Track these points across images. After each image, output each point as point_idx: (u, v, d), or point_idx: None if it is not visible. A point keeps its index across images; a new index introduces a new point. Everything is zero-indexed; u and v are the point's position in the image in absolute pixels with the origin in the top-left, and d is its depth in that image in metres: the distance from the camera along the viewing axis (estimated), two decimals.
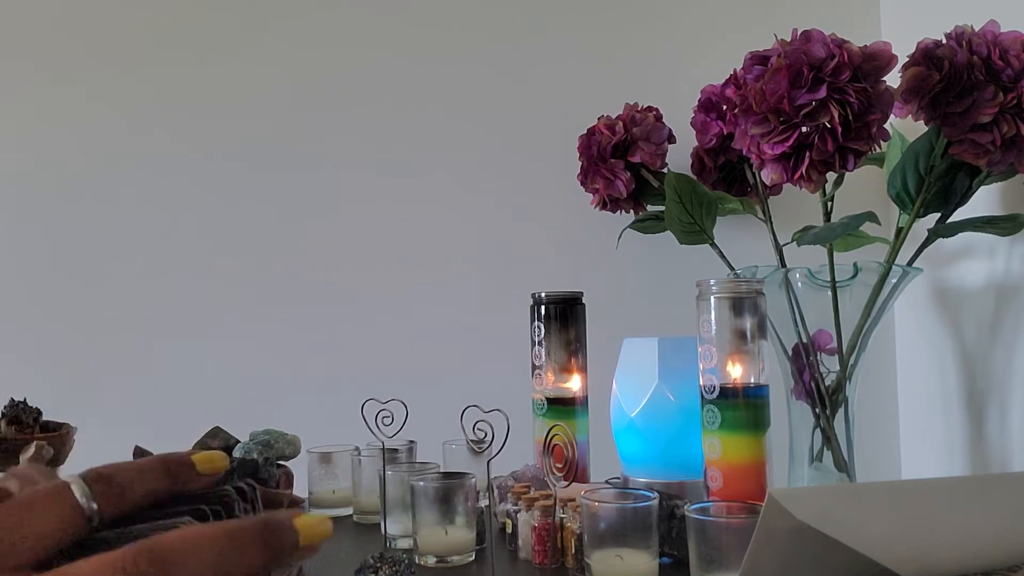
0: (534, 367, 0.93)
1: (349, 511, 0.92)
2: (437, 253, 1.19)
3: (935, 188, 0.86)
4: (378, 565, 0.63)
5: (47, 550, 0.25)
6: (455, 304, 1.18)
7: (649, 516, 0.64)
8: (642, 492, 0.67)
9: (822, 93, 0.77)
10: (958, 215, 0.89)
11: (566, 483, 0.68)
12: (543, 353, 0.92)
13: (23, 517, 0.25)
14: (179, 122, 1.20)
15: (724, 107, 0.99)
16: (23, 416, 0.74)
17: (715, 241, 0.98)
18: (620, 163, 1.03)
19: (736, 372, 0.76)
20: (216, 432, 0.96)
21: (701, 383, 0.78)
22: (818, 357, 0.91)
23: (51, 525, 0.25)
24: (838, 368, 0.90)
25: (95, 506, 0.26)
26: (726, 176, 1.05)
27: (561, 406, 0.90)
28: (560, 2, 1.21)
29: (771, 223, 0.97)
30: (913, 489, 0.61)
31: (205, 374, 1.14)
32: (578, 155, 1.07)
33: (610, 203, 1.06)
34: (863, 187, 1.08)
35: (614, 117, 1.05)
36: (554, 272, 1.17)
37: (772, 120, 0.80)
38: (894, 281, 0.89)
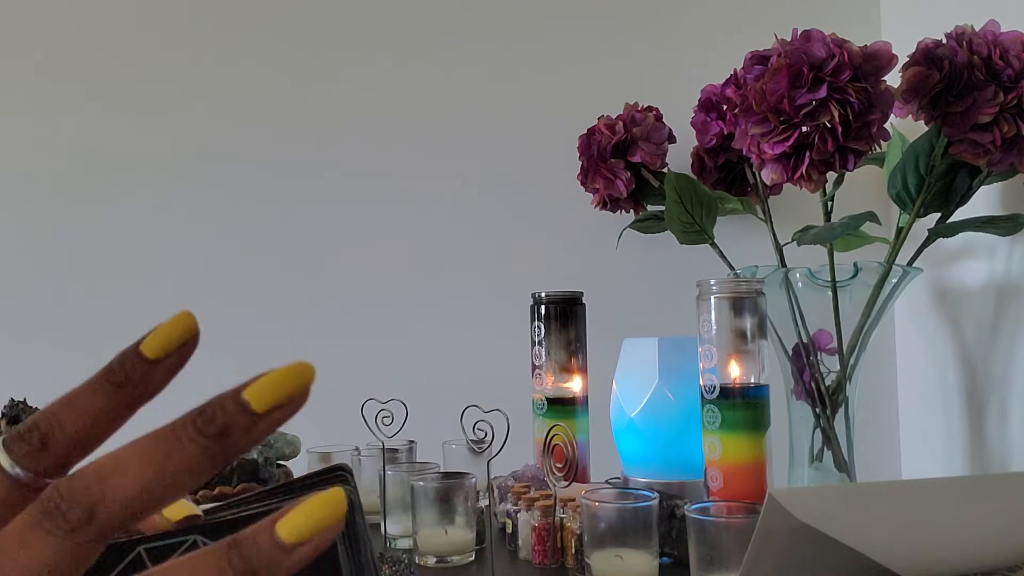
0: (534, 367, 0.93)
1: None
2: (437, 253, 1.19)
3: (935, 188, 0.86)
4: (378, 565, 0.63)
5: None
6: (455, 304, 1.18)
7: (649, 516, 0.64)
8: (642, 492, 0.67)
9: (822, 93, 0.77)
10: (958, 215, 0.89)
11: (566, 483, 0.68)
12: (543, 353, 0.92)
13: None
14: (179, 124, 1.19)
15: (724, 107, 0.99)
16: (23, 416, 0.74)
17: (715, 241, 0.98)
18: (620, 163, 1.03)
19: (736, 372, 0.76)
20: None
21: (701, 383, 0.78)
22: (818, 357, 0.91)
23: None
24: (838, 368, 0.90)
25: (20, 471, 0.24)
26: (726, 176, 1.05)
27: (561, 406, 0.90)
28: (560, 2, 1.21)
29: (771, 223, 0.96)
30: (913, 489, 0.61)
31: (205, 374, 1.14)
32: (578, 155, 1.07)
33: (610, 203, 1.06)
34: (863, 187, 1.08)
35: (614, 117, 1.05)
36: (554, 272, 1.17)
37: (772, 120, 0.80)
38: (894, 281, 0.89)
